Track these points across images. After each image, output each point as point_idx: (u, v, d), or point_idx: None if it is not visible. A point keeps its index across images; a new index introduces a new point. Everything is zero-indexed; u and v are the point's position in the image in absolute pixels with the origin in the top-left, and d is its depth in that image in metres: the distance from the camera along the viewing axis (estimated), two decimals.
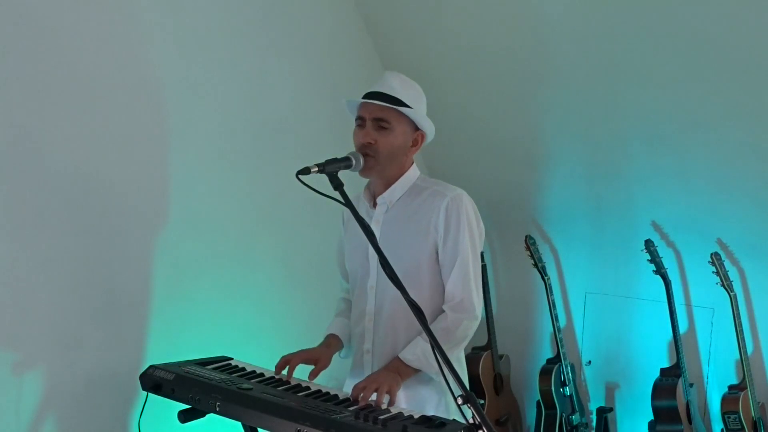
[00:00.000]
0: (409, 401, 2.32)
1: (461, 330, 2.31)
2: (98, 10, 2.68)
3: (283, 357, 2.38)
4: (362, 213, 2.40)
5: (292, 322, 3.39)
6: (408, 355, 2.28)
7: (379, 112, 2.32)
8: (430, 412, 2.17)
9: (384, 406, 2.13)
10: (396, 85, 2.34)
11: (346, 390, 2.37)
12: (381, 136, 2.32)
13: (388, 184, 2.40)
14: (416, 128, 2.37)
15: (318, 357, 2.39)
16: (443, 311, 2.35)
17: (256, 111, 3.24)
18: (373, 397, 2.16)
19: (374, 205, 2.43)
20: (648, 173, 3.52)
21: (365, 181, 2.47)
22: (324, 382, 2.37)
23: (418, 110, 2.35)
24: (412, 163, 2.44)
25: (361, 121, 2.36)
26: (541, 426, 3.83)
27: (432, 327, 2.28)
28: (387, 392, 2.17)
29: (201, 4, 3.01)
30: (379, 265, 2.01)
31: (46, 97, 2.54)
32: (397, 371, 2.25)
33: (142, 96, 2.83)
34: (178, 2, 2.92)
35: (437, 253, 2.35)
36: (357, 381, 2.27)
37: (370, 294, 2.42)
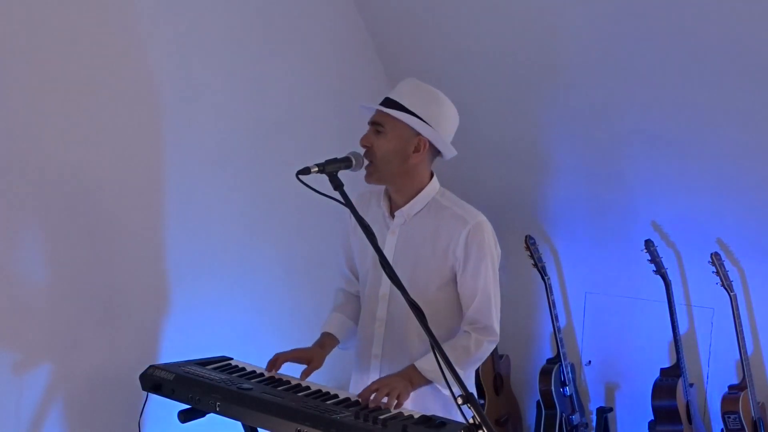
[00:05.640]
0: (416, 399, 2.32)
1: (481, 351, 2.33)
2: (97, 10, 2.68)
3: (275, 354, 2.39)
4: (378, 220, 2.41)
5: (292, 322, 3.39)
6: (425, 365, 2.26)
7: (377, 115, 2.33)
8: (436, 411, 2.17)
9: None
10: (404, 90, 2.34)
11: (351, 391, 2.37)
12: (376, 139, 2.32)
13: (408, 198, 2.38)
14: (419, 133, 2.33)
15: (311, 357, 2.39)
16: (465, 331, 2.35)
17: (256, 111, 3.23)
18: (383, 400, 2.15)
19: (392, 215, 2.42)
20: (648, 173, 3.52)
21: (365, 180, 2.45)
22: (324, 382, 2.37)
23: (425, 115, 2.30)
24: (432, 175, 2.42)
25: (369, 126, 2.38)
26: (541, 426, 3.82)
27: (453, 343, 2.31)
28: (396, 398, 2.16)
29: (200, 5, 3.01)
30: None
31: (46, 97, 2.55)
32: (410, 379, 2.24)
33: (141, 96, 2.83)
34: (177, 3, 2.92)
35: (454, 276, 2.35)
36: (362, 383, 2.27)
37: (382, 301, 2.41)
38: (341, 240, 2.60)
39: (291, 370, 2.40)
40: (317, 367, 2.39)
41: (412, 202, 2.38)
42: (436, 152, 2.39)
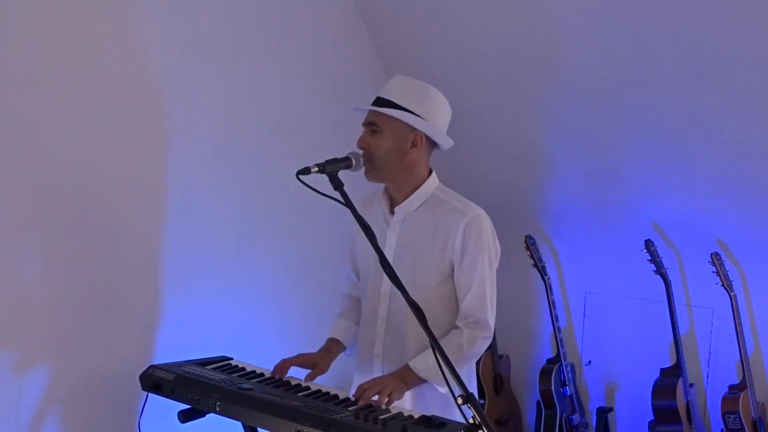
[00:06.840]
0: (416, 399, 2.33)
1: (475, 348, 2.33)
2: (98, 10, 2.68)
3: (281, 361, 2.39)
4: (378, 218, 2.42)
5: (292, 322, 3.39)
6: (419, 364, 2.27)
7: (371, 116, 2.35)
8: (435, 411, 2.17)
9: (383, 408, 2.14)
10: (394, 88, 2.35)
11: (354, 391, 2.37)
12: (373, 139, 2.33)
13: (407, 194, 2.39)
14: (414, 128, 2.34)
15: (316, 361, 2.40)
16: (457, 327, 2.35)
17: (256, 111, 3.24)
18: (375, 398, 2.16)
19: (391, 212, 2.43)
20: (648, 173, 3.52)
21: (366, 180, 2.46)
22: (324, 382, 2.37)
23: (417, 109, 2.32)
24: (431, 171, 2.43)
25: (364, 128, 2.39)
26: (541, 426, 3.82)
27: (445, 341, 2.31)
28: (388, 396, 2.17)
29: (201, 5, 3.01)
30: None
31: (46, 97, 2.55)
32: (404, 379, 2.26)
33: (141, 96, 2.83)
34: (177, 3, 2.92)
35: (452, 270, 2.35)
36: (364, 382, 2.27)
37: (383, 299, 2.41)
38: (348, 243, 2.61)
39: (294, 373, 2.40)
40: (322, 372, 2.40)
41: (411, 197, 2.39)
42: (432, 145, 2.40)
